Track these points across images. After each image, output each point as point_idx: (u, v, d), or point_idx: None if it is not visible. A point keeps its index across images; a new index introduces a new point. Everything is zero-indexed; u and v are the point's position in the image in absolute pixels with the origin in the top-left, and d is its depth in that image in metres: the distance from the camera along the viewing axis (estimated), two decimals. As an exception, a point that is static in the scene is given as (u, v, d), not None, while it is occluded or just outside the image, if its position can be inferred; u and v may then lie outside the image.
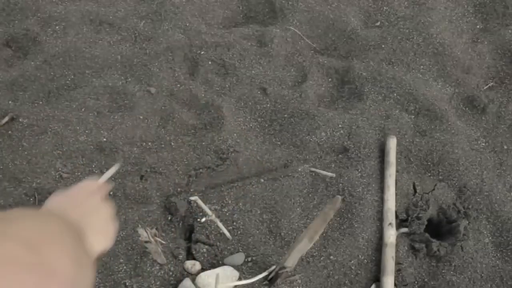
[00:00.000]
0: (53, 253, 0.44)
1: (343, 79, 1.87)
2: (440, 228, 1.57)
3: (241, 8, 2.12)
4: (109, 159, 1.55)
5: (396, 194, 1.55)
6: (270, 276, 1.32)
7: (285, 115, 1.72)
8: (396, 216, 1.52)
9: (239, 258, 1.38)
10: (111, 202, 0.74)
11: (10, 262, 0.39)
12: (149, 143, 1.61)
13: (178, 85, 1.76)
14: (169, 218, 1.45)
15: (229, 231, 1.40)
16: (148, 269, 1.34)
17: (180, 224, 1.45)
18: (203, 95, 1.74)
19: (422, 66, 1.91)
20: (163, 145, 1.61)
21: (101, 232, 0.71)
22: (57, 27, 1.88)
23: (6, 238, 0.41)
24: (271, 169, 1.59)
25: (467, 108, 1.84)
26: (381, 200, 1.54)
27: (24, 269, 0.40)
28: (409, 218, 1.52)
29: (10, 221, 0.45)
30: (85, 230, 0.63)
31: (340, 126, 1.70)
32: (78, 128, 1.60)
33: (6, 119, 1.59)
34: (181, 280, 1.33)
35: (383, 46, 1.94)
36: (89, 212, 0.69)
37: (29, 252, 0.41)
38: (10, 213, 0.47)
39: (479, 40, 2.03)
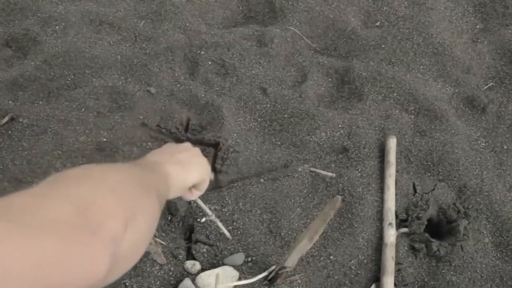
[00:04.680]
0: (102, 212, 0.45)
1: (343, 79, 1.87)
2: (440, 228, 1.57)
3: (241, 8, 2.12)
4: (109, 159, 1.55)
5: (396, 194, 1.55)
6: (270, 276, 1.32)
7: (285, 115, 1.72)
8: (396, 216, 1.52)
9: (239, 258, 1.38)
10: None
11: (58, 223, 0.41)
12: (149, 143, 1.61)
13: (178, 85, 1.76)
14: (169, 218, 1.45)
15: (229, 231, 1.40)
16: (148, 269, 1.34)
17: (180, 224, 1.45)
18: (203, 95, 1.74)
19: (422, 66, 1.91)
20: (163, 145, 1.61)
21: (194, 165, 0.76)
22: (57, 27, 1.88)
23: (59, 200, 0.44)
24: (271, 169, 1.59)
25: (467, 108, 1.84)
26: (381, 200, 1.54)
27: (70, 229, 0.41)
28: (409, 218, 1.52)
29: (67, 181, 0.48)
30: (174, 167, 0.69)
31: (340, 126, 1.70)
32: (78, 128, 1.60)
33: (6, 119, 1.59)
34: (181, 280, 1.33)
35: (383, 46, 1.94)
36: (180, 153, 0.76)
37: (79, 212, 0.43)
38: (72, 171, 0.51)
39: (479, 40, 2.03)
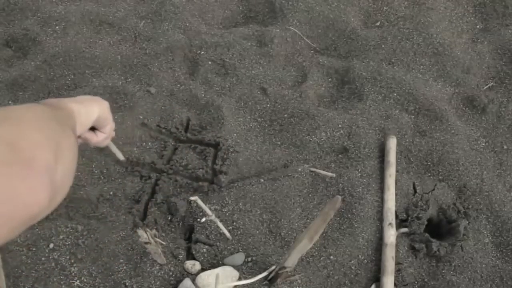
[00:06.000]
0: (32, 146, 0.47)
1: (343, 79, 1.87)
2: (440, 228, 1.57)
3: (241, 8, 2.12)
4: (109, 159, 1.55)
5: (396, 194, 1.55)
6: (270, 276, 1.32)
7: (285, 115, 1.72)
8: (396, 216, 1.52)
9: (239, 258, 1.38)
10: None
11: None
12: (149, 143, 1.61)
13: (178, 85, 1.76)
14: (169, 218, 1.45)
15: (229, 231, 1.40)
16: (148, 269, 1.34)
17: (180, 224, 1.45)
18: (203, 95, 1.74)
19: (422, 66, 1.91)
20: (163, 145, 1.61)
21: (92, 101, 0.82)
22: (57, 27, 1.88)
23: None
24: (271, 169, 1.59)
25: (467, 108, 1.84)
26: (381, 200, 1.54)
27: (4, 163, 0.43)
28: (409, 218, 1.52)
29: None
30: (75, 104, 0.73)
31: (340, 126, 1.70)
32: (78, 128, 1.60)
33: (6, 119, 1.59)
34: (181, 280, 1.33)
35: (383, 46, 1.94)
36: (82, 97, 0.81)
37: (9, 148, 0.45)
38: None
39: (479, 40, 2.03)
